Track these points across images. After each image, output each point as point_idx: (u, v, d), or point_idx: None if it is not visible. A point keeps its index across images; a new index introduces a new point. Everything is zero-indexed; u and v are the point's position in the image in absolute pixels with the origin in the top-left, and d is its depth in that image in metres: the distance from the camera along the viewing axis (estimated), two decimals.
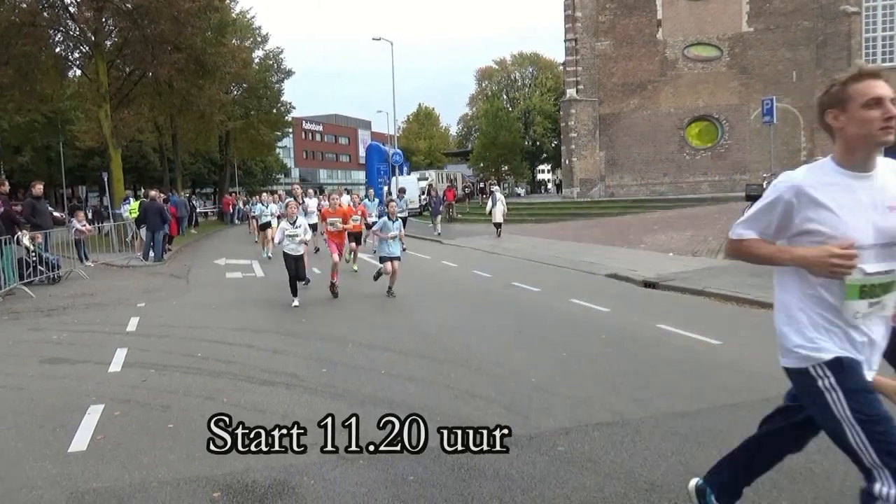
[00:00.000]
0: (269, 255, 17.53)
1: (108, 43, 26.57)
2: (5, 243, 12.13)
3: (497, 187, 25.64)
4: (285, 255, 10.47)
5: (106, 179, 23.69)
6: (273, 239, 17.99)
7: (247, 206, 33.24)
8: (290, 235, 10.36)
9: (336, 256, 11.32)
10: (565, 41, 35.84)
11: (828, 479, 3.71)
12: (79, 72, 29.30)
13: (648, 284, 11.30)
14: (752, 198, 17.62)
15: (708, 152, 34.45)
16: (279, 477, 3.97)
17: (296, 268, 10.39)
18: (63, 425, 5.02)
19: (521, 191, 68.89)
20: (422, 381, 5.94)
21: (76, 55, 27.78)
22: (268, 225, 18.53)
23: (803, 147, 33.30)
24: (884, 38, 33.05)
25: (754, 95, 31.65)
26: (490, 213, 22.60)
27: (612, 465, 4.00)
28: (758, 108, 26.87)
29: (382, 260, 10.92)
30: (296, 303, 10.19)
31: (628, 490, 3.66)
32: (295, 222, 10.38)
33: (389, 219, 11.03)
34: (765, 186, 18.04)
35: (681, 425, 4.64)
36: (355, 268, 13.22)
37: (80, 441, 4.68)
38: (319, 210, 15.79)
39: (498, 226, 22.36)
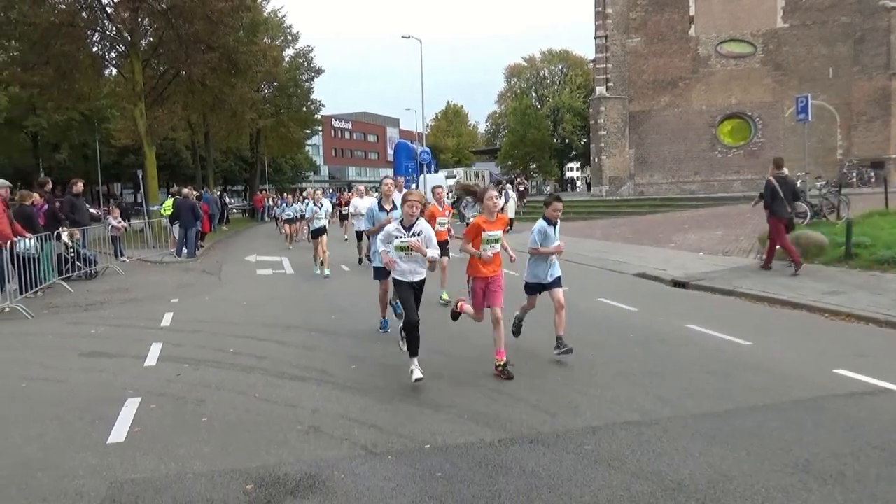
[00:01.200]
0: (327, 271, 13.65)
1: (144, 42, 27.11)
2: (46, 239, 12.48)
3: (510, 185, 26.31)
4: (398, 283, 5.99)
5: (141, 177, 24.19)
6: (326, 251, 13.71)
7: (278, 205, 28.30)
8: (401, 248, 5.86)
9: (481, 311, 6.38)
10: (595, 38, 35.55)
11: (859, 483, 3.68)
12: (115, 71, 29.95)
13: (678, 284, 11.20)
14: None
15: (740, 150, 33.91)
16: (310, 471, 4.06)
17: (415, 298, 5.98)
18: (102, 417, 5.18)
19: (549, 189, 68.51)
20: (450, 378, 6.00)
21: (112, 55, 28.39)
22: (322, 231, 14.01)
23: (839, 145, 32.61)
24: None
25: (789, 92, 31.05)
26: (502, 209, 23.49)
27: (639, 464, 4.01)
28: (792, 105, 26.36)
29: (531, 290, 6.89)
30: (417, 375, 5.67)
31: (655, 489, 3.67)
32: (411, 227, 5.92)
33: (550, 223, 6.71)
34: (799, 185, 17.74)
35: (708, 426, 4.62)
36: (445, 296, 9.51)
37: (119, 433, 4.83)
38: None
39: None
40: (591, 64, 44.20)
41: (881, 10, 31.27)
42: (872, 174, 30.44)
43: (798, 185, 17.92)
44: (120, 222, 18.44)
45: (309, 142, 66.93)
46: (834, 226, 14.80)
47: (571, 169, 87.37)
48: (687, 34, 34.11)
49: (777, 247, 11.35)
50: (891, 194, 17.54)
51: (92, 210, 21.64)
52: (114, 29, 26.19)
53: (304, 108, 47.62)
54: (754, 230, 16.33)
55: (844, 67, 32.02)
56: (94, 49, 27.49)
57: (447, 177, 44.14)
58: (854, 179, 30.49)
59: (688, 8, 34.04)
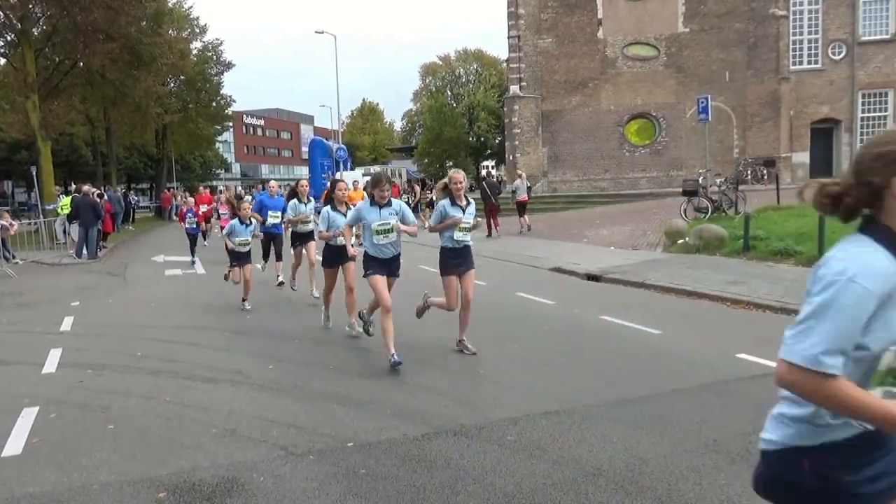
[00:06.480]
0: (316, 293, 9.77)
1: (36, 30, 25.36)
2: None
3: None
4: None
5: (34, 174, 22.67)
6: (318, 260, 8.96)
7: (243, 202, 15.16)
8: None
9: None
10: (508, 38, 36.09)
11: None
12: (2, 60, 27.92)
13: (591, 277, 11.52)
14: (688, 192, 18.21)
15: (646, 149, 35.31)
16: (227, 475, 3.91)
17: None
18: None
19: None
20: (370, 375, 5.93)
21: (0, 43, 26.44)
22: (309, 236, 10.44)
23: (735, 145, 34.52)
24: (809, 41, 34.55)
25: (690, 94, 32.58)
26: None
27: (560, 452, 4.09)
28: (693, 106, 27.70)
29: None
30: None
31: (577, 475, 3.75)
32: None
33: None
34: (701, 182, 18.68)
35: (625, 412, 4.77)
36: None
37: (14, 445, 4.50)
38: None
39: None
40: (505, 63, 44.92)
41: (771, 17, 33.30)
42: (765, 172, 32.41)
43: (700, 181, 18.98)
44: (11, 222, 17.19)
45: (219, 138, 64.71)
46: (733, 220, 15.65)
47: (486, 167, 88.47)
48: (595, 36, 35.18)
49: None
50: (781, 191, 18.74)
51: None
52: (2, 15, 24.39)
53: (214, 104, 45.95)
54: (660, 225, 17.04)
55: (739, 71, 33.90)
56: None
57: (364, 174, 43.77)
58: (749, 177, 32.36)
59: (596, 11, 35.11)
